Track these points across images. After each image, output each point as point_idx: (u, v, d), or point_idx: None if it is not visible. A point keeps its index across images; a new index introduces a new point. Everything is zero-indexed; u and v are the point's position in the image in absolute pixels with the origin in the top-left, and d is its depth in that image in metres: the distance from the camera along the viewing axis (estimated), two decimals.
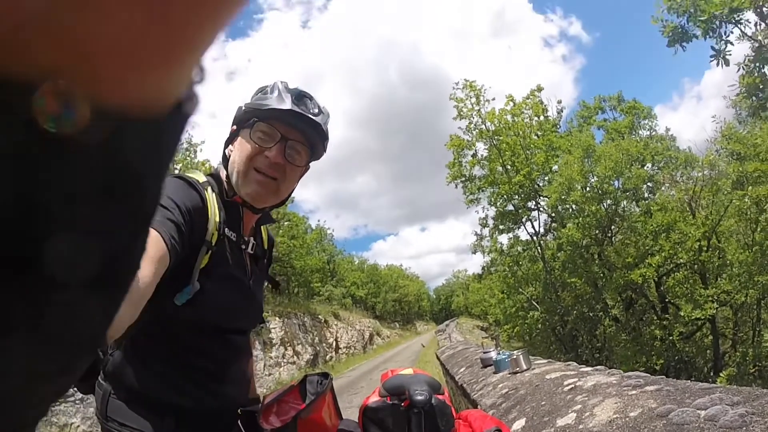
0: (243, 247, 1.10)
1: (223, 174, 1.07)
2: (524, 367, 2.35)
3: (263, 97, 1.01)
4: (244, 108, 1.03)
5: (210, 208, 0.97)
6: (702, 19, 8.81)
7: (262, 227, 1.25)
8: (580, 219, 16.98)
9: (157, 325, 0.95)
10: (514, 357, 2.41)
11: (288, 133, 1.01)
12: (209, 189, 1.00)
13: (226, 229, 1.02)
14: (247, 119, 1.02)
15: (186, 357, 1.02)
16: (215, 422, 1.07)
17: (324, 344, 22.92)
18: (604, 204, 16.59)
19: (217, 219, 0.98)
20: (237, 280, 1.06)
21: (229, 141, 1.07)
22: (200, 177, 1.02)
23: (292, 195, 1.39)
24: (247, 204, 1.05)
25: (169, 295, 0.90)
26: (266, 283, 1.26)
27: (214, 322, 1.03)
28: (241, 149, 1.01)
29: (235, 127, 1.05)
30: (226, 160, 1.07)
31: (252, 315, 1.18)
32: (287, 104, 0.97)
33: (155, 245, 0.74)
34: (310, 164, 1.15)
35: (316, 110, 1.02)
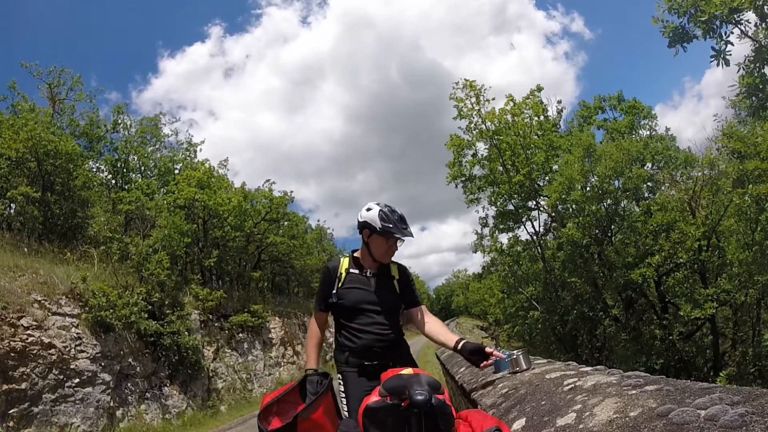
0: (365, 274, 2.40)
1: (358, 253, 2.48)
2: (524, 366, 2.31)
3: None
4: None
5: (341, 265, 2.42)
6: (702, 19, 8.80)
7: (391, 264, 2.48)
8: (580, 219, 16.96)
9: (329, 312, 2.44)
10: (514, 357, 2.35)
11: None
12: (344, 259, 2.46)
13: (351, 270, 2.41)
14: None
15: (346, 323, 2.35)
16: (364, 353, 2.29)
17: (324, 344, 22.88)
18: (604, 204, 16.57)
19: (345, 267, 2.41)
20: (356, 288, 2.36)
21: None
22: (344, 257, 2.50)
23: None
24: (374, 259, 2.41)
25: (331, 299, 2.36)
26: (398, 288, 2.45)
27: (348, 305, 2.33)
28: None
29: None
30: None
31: (375, 302, 2.34)
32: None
33: (322, 317, 2.52)
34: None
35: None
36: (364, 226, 2.36)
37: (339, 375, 2.37)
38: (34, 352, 7.61)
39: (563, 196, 16.95)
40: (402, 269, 2.50)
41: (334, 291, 2.35)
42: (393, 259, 2.49)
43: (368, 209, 2.35)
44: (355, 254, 2.46)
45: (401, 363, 2.23)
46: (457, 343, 2.23)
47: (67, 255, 10.84)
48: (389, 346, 2.34)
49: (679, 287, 15.59)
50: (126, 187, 18.99)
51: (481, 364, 2.22)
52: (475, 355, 2.19)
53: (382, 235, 2.30)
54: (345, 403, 2.28)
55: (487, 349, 2.21)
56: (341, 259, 2.45)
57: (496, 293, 24.64)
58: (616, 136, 22.46)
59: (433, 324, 2.40)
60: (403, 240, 2.37)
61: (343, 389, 2.32)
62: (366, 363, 2.29)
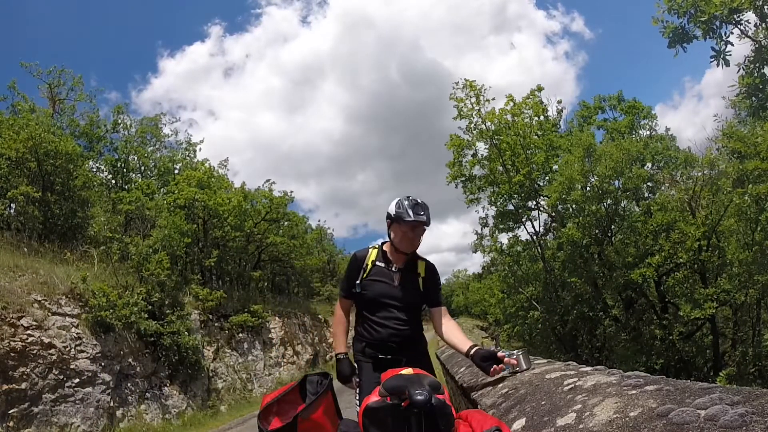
0: (391, 269, 2.46)
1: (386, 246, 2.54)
2: (524, 366, 2.23)
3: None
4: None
5: (368, 256, 2.49)
6: (702, 19, 8.81)
7: (419, 261, 2.53)
8: (580, 218, 16.97)
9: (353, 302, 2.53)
10: (514, 356, 2.26)
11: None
12: (373, 250, 2.53)
13: (377, 262, 2.47)
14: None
15: (366, 314, 2.44)
16: (380, 346, 2.39)
17: (324, 344, 22.89)
18: (604, 204, 16.57)
19: (372, 258, 2.48)
20: (380, 282, 2.43)
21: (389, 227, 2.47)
22: (372, 248, 2.55)
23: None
24: (399, 250, 2.45)
25: (355, 289, 2.45)
26: (422, 286, 2.49)
27: (369, 297, 2.42)
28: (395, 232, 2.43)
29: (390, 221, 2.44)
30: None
31: (396, 298, 2.41)
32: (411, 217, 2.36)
33: (346, 303, 2.58)
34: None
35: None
36: (387, 217, 2.46)
37: (355, 364, 2.48)
38: (34, 352, 7.61)
39: (563, 196, 16.95)
40: (429, 268, 2.53)
41: (358, 281, 2.43)
42: (426, 257, 2.54)
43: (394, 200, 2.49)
44: (384, 247, 2.52)
45: (416, 360, 2.29)
46: (470, 349, 2.24)
47: (67, 255, 10.84)
48: (404, 342, 2.40)
49: (679, 287, 15.60)
50: (126, 187, 18.99)
51: (491, 370, 2.20)
52: (486, 361, 2.20)
53: (396, 221, 2.38)
54: (358, 392, 2.38)
55: (500, 354, 2.19)
56: (370, 250, 2.52)
57: (496, 293, 24.63)
58: (616, 136, 22.46)
59: (448, 327, 2.42)
60: (423, 228, 2.40)
61: (357, 378, 2.43)
62: (380, 356, 2.37)
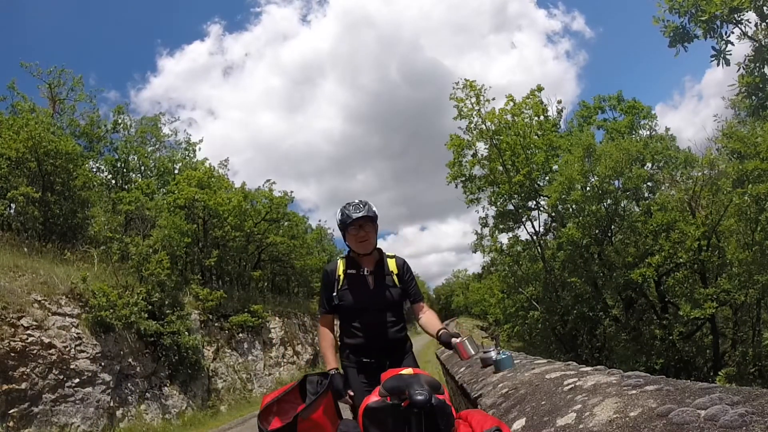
0: (363, 273, 2.47)
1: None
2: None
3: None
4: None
5: (338, 268, 2.49)
6: (703, 19, 8.80)
7: (388, 259, 2.55)
8: (580, 218, 16.97)
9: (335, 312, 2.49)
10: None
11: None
12: (341, 261, 2.53)
13: (348, 270, 2.48)
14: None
15: (348, 322, 2.45)
16: (364, 350, 2.41)
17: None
18: (604, 204, 16.57)
19: (342, 269, 2.48)
20: (355, 288, 2.44)
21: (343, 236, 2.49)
22: (340, 259, 2.55)
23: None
24: (360, 253, 2.48)
25: (333, 300, 2.43)
26: (397, 282, 2.50)
27: (348, 305, 2.43)
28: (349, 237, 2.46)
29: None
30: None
31: (372, 302, 2.43)
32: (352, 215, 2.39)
33: (328, 318, 2.51)
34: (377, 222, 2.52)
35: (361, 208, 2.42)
36: (339, 229, 2.53)
37: (347, 378, 2.51)
38: (34, 352, 7.61)
39: (563, 196, 16.95)
40: (400, 263, 2.55)
41: (334, 293, 2.45)
42: (394, 253, 2.57)
43: None
44: (351, 254, 2.55)
45: (400, 361, 2.33)
46: (438, 332, 2.34)
47: (67, 255, 10.83)
48: (387, 345, 2.42)
49: (679, 287, 15.60)
50: (126, 187, 18.98)
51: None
52: (446, 344, 2.30)
53: (344, 228, 2.44)
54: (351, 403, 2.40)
55: (453, 340, 2.26)
56: (338, 262, 2.54)
57: (496, 293, 24.64)
58: (615, 136, 22.46)
59: (426, 316, 2.49)
60: (370, 223, 2.42)
61: (350, 392, 2.47)
62: (364, 360, 2.40)
